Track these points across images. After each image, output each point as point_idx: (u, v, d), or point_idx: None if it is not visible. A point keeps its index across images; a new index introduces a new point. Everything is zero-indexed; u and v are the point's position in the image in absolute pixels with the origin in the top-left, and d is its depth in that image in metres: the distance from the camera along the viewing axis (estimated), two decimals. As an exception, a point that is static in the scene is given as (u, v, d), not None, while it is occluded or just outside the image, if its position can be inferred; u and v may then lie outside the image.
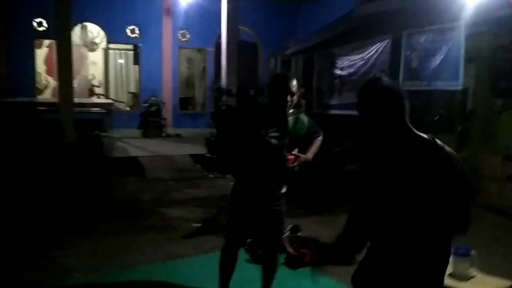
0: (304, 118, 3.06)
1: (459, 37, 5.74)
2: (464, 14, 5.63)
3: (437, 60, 6.13)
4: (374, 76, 1.92)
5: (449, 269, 3.34)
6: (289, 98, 2.84)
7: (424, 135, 1.76)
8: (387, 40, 7.12)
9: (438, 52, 6.08)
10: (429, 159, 1.69)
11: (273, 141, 2.88)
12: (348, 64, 8.22)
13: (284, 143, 2.92)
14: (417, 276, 1.74)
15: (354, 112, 7.02)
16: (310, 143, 3.13)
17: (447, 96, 6.99)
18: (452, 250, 3.35)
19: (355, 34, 7.99)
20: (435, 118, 6.98)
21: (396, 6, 7.21)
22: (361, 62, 7.77)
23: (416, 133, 1.75)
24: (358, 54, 7.89)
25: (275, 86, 2.91)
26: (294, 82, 2.88)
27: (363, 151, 1.72)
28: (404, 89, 1.85)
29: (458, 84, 5.91)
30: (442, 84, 6.17)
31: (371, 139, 1.82)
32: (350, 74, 8.14)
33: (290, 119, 2.95)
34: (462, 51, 5.73)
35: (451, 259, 3.34)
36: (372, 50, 7.46)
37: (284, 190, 3.09)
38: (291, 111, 2.97)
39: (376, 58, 7.36)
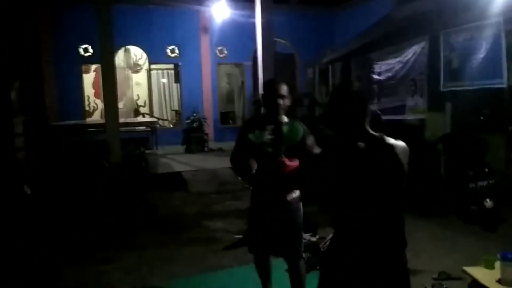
0: (299, 125, 3.08)
1: (499, 33, 5.52)
2: (502, 9, 5.41)
3: (478, 59, 5.90)
4: (346, 81, 2.16)
5: (497, 275, 3.21)
6: (280, 101, 2.98)
7: (376, 134, 1.99)
8: (425, 42, 6.95)
9: (479, 50, 5.86)
10: (377, 153, 1.93)
11: (269, 149, 2.96)
12: (385, 68, 8.08)
13: (280, 150, 2.96)
14: (375, 257, 1.94)
15: (394, 117, 6.89)
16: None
17: (494, 95, 6.70)
18: (501, 255, 3.24)
19: (392, 37, 7.86)
20: (481, 118, 6.72)
21: (432, 6, 7.02)
22: (399, 66, 7.61)
23: (369, 132, 1.99)
24: (396, 57, 7.74)
25: (265, 91, 3.10)
26: (284, 87, 3.02)
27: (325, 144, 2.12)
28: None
29: (502, 82, 5.66)
30: (485, 83, 5.93)
31: (334, 133, 2.08)
32: (389, 79, 7.99)
33: (285, 126, 3.00)
34: (504, 47, 5.49)
35: (499, 264, 3.21)
36: (410, 52, 7.30)
37: (294, 195, 3.07)
38: (286, 120, 3.01)
39: (414, 60, 7.19)
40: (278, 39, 12.11)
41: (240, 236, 5.14)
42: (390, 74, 7.94)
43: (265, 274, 3.34)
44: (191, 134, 11.41)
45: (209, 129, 12.19)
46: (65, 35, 11.31)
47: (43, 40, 10.82)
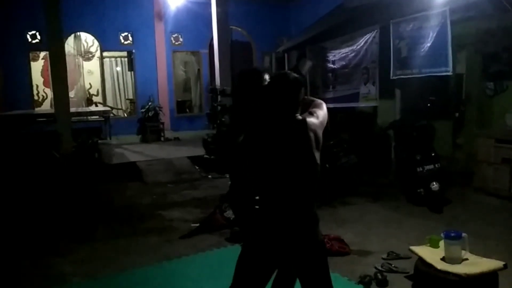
0: None
1: (445, 23, 5.73)
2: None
3: (425, 47, 6.10)
4: (284, 72, 2.26)
5: (441, 253, 3.38)
6: None
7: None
8: (376, 31, 7.12)
9: (426, 39, 6.06)
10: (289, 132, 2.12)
11: None
12: (339, 57, 8.22)
13: None
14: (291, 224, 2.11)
15: (348, 105, 7.04)
16: None
17: (441, 82, 7.00)
18: (444, 234, 3.40)
19: (345, 27, 7.99)
20: (428, 105, 7.00)
21: (383, -4, 7.20)
22: (352, 54, 7.76)
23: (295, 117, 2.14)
24: (349, 46, 7.88)
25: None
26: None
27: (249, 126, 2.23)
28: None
29: (448, 70, 5.89)
30: (432, 71, 6.15)
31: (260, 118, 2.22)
32: (342, 67, 8.14)
33: None
34: (449, 36, 5.71)
35: (443, 243, 3.38)
36: (362, 41, 7.46)
37: None
38: None
39: (366, 49, 7.36)
40: (234, 27, 12.06)
41: (197, 225, 5.13)
42: (344, 63, 8.09)
43: None
44: (146, 124, 11.19)
45: (165, 118, 11.99)
46: (11, 21, 10.72)
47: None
